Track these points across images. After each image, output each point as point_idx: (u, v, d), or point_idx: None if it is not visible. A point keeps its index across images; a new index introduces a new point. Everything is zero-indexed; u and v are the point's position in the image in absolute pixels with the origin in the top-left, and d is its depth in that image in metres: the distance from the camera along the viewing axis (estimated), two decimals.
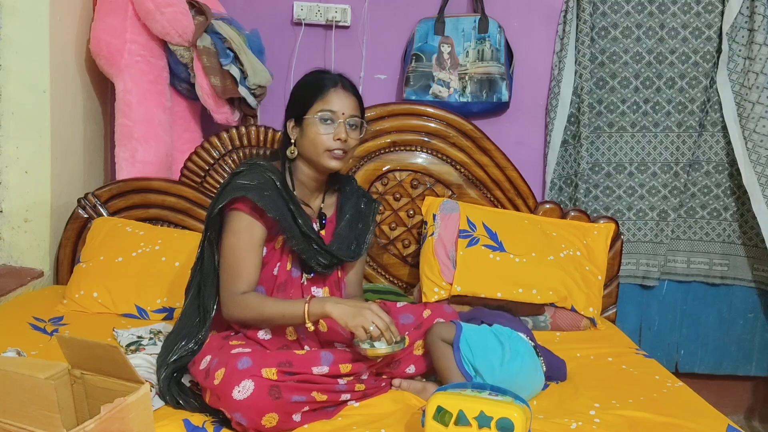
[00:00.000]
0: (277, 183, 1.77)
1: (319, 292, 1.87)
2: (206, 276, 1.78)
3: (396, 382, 1.77)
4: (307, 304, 1.66)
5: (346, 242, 1.91)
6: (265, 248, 1.79)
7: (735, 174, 2.75)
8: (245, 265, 1.72)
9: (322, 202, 1.92)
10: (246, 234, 1.73)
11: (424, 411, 1.49)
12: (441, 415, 1.43)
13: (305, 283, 1.85)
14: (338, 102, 1.78)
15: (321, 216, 1.91)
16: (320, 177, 1.87)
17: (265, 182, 1.76)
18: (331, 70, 1.89)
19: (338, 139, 1.77)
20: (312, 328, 1.68)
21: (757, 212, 2.62)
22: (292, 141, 1.83)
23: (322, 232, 1.89)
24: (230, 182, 1.77)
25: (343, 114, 1.78)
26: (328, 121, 1.77)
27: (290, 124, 1.84)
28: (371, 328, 1.61)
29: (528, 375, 1.74)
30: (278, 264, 1.81)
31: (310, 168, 1.84)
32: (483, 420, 1.40)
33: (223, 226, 1.76)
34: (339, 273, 1.93)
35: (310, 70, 1.91)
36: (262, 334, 1.76)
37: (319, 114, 1.77)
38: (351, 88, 1.84)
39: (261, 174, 1.77)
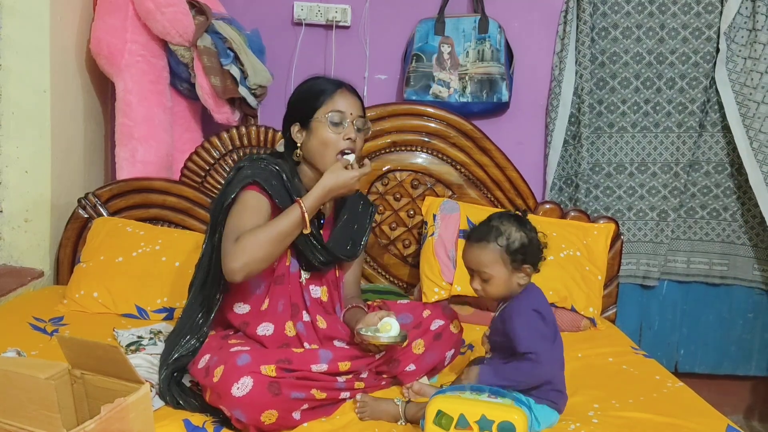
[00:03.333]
0: (283, 175, 1.79)
1: (317, 290, 1.87)
2: (212, 271, 1.79)
3: (416, 386, 1.70)
4: (301, 205, 1.69)
5: (343, 242, 1.92)
6: None
7: (735, 174, 2.75)
8: (248, 225, 1.69)
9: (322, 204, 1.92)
10: (254, 205, 1.73)
11: (423, 415, 1.49)
12: (441, 418, 1.42)
13: (303, 282, 1.85)
14: (345, 103, 1.81)
15: (319, 216, 1.91)
16: None
17: (270, 173, 1.78)
18: (326, 75, 1.90)
19: (348, 138, 1.79)
20: (308, 230, 1.71)
21: (765, 212, 2.62)
22: (298, 145, 1.83)
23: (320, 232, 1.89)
24: (236, 175, 1.79)
25: (351, 114, 1.80)
26: (338, 122, 1.79)
27: (295, 128, 1.83)
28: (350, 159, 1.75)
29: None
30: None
31: (314, 172, 1.84)
32: (484, 423, 1.40)
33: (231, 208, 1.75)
34: (337, 272, 1.94)
35: (307, 77, 1.92)
36: (261, 330, 1.77)
37: (329, 115, 1.78)
38: (354, 90, 1.86)
39: (266, 166, 1.79)
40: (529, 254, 1.63)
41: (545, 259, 1.68)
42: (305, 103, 1.83)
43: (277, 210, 1.76)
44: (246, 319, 1.79)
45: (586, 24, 2.65)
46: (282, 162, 1.84)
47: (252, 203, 1.74)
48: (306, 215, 1.70)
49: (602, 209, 2.79)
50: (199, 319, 1.80)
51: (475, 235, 1.67)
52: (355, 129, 1.81)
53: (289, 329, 1.79)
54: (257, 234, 1.66)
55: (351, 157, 1.78)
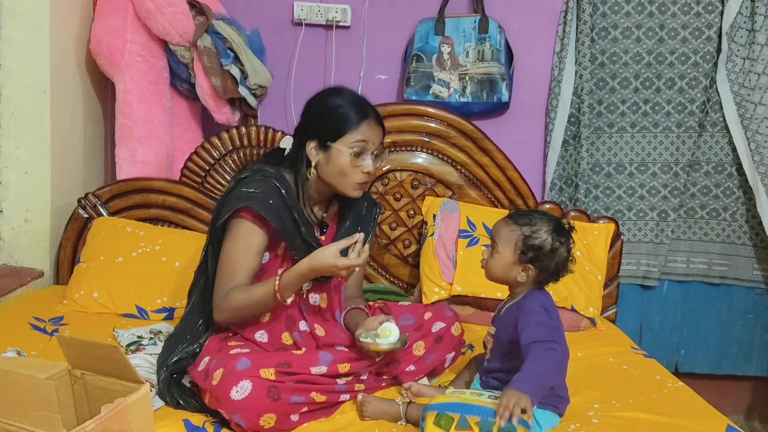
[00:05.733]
0: (283, 191, 1.76)
1: (316, 297, 1.86)
2: (209, 284, 1.78)
3: (414, 388, 1.68)
4: (277, 281, 1.66)
5: (345, 249, 1.90)
6: (267, 254, 1.78)
7: (735, 174, 2.75)
8: (239, 267, 1.71)
9: (325, 212, 1.91)
10: (244, 240, 1.72)
11: (424, 416, 1.48)
12: (441, 419, 1.42)
13: (304, 293, 1.84)
14: (370, 134, 1.76)
15: (322, 224, 1.89)
16: (331, 194, 1.86)
17: (270, 190, 1.75)
18: (352, 89, 1.84)
19: (365, 172, 1.77)
20: (289, 301, 1.68)
21: (762, 212, 2.63)
22: (313, 164, 1.79)
23: (322, 238, 1.87)
24: (234, 189, 1.76)
25: (372, 145, 1.77)
26: (359, 154, 1.75)
27: (311, 144, 1.78)
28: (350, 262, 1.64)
29: None
30: (279, 271, 1.81)
31: (325, 187, 1.82)
32: (485, 425, 1.39)
33: (225, 233, 1.75)
34: (339, 278, 1.93)
35: (330, 89, 1.87)
36: (258, 336, 1.77)
37: (353, 148, 1.74)
38: (378, 117, 1.82)
39: (266, 181, 1.76)
40: (541, 259, 1.61)
41: (557, 280, 1.66)
42: (327, 124, 1.77)
43: (273, 232, 1.74)
44: (243, 325, 1.78)
45: (586, 24, 2.65)
46: (285, 173, 1.81)
47: (241, 234, 1.72)
48: (280, 294, 1.66)
49: (602, 209, 2.79)
50: (200, 327, 1.80)
51: (516, 214, 1.69)
52: (373, 158, 1.78)
53: (286, 339, 1.79)
54: (241, 297, 1.69)
55: (358, 237, 1.68)
